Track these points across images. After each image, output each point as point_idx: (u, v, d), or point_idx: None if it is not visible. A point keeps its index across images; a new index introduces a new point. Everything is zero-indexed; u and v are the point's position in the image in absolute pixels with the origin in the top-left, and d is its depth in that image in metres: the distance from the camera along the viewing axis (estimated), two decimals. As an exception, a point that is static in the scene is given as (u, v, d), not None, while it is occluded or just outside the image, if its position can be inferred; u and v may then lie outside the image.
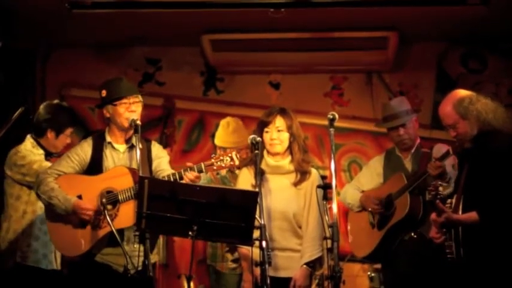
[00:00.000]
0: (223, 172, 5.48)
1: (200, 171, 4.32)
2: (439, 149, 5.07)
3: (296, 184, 4.69)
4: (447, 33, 7.02)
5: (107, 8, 6.17)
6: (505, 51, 7.23)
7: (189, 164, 4.35)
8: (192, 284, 6.12)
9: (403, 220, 5.06)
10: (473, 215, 4.03)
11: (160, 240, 6.28)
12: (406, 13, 6.44)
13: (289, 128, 4.66)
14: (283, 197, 4.67)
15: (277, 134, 4.64)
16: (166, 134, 7.05)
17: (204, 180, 5.41)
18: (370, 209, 5.29)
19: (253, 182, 4.64)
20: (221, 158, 4.35)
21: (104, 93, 4.59)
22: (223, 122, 5.67)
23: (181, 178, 4.32)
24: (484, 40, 7.16)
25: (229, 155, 4.35)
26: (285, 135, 4.65)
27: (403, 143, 5.28)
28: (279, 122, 4.64)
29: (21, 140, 5.34)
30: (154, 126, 7.25)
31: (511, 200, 3.98)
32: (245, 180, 4.72)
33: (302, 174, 4.69)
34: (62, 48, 7.53)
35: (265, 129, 4.65)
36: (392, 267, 5.23)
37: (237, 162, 4.37)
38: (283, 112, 4.68)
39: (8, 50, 6.75)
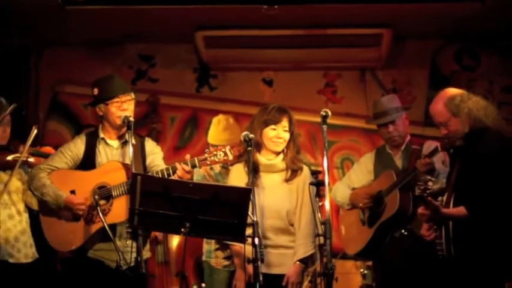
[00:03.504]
0: (217, 169, 5.49)
1: (194, 166, 4.32)
2: (429, 146, 5.08)
3: (288, 180, 4.70)
4: (441, 30, 7.03)
5: (99, 4, 6.17)
6: (499, 49, 7.25)
7: (187, 156, 4.35)
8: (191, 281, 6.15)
9: (394, 217, 5.07)
10: (462, 210, 4.05)
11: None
12: (400, 10, 6.44)
13: (291, 129, 4.70)
14: (276, 194, 4.67)
15: (283, 133, 4.67)
16: (157, 129, 7.03)
17: (198, 177, 5.41)
18: (360, 205, 5.29)
19: (247, 179, 4.63)
20: (215, 152, 4.35)
21: (95, 91, 4.58)
22: (214, 120, 5.68)
23: (174, 172, 4.32)
24: (478, 37, 7.17)
25: (223, 149, 4.35)
26: (288, 135, 4.69)
27: (392, 140, 5.29)
28: (286, 122, 4.67)
29: (12, 136, 5.33)
30: (143, 125, 7.18)
31: (500, 196, 4.01)
32: (238, 177, 4.71)
33: (293, 171, 4.71)
34: (55, 45, 7.52)
35: (273, 127, 4.66)
36: (383, 264, 5.24)
37: (230, 157, 4.37)
38: (289, 113, 4.72)
39: (2, 47, 6.74)
